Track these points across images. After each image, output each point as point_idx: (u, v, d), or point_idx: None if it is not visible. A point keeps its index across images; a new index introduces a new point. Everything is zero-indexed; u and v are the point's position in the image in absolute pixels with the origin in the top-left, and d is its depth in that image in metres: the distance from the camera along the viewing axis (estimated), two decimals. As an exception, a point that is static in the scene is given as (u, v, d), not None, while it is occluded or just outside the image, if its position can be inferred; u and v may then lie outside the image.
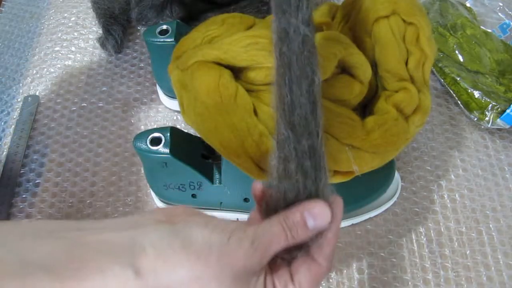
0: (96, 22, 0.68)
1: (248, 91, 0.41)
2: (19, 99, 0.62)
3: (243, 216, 0.52)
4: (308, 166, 0.30)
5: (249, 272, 0.29)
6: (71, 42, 0.68)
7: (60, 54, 0.67)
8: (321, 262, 0.32)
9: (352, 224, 0.52)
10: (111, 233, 0.29)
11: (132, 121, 0.60)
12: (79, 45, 0.68)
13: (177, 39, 0.51)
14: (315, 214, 0.30)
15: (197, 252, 0.28)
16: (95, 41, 0.68)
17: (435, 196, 0.54)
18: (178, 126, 0.60)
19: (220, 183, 0.48)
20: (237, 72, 0.42)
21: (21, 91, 0.63)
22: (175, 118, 0.61)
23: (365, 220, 0.52)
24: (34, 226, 0.30)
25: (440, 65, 0.63)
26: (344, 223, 0.51)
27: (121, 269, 0.27)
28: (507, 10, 0.69)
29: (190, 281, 0.28)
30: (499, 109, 0.57)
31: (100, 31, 0.67)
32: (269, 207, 0.32)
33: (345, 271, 0.49)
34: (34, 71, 0.65)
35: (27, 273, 0.26)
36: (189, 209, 0.31)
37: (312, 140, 0.30)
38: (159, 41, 0.53)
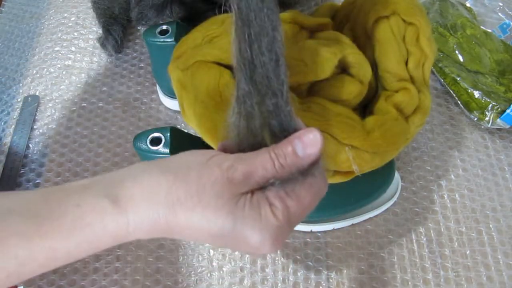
0: (96, 22, 0.68)
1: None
2: (19, 99, 0.62)
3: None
4: (275, 125, 0.29)
5: (233, 193, 0.27)
6: (71, 42, 0.68)
7: (60, 54, 0.67)
8: (316, 175, 0.29)
9: (352, 224, 0.52)
10: (90, 178, 0.28)
11: (132, 121, 0.60)
12: (79, 45, 0.68)
13: (177, 39, 0.51)
14: (305, 142, 0.28)
15: (175, 173, 0.27)
16: (95, 41, 0.68)
17: (435, 196, 0.54)
18: (178, 126, 0.60)
19: (220, 183, 0.48)
20: (237, 72, 0.42)
21: (21, 91, 0.63)
22: (175, 118, 0.61)
23: (365, 220, 0.52)
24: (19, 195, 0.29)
25: (440, 65, 0.63)
26: (344, 223, 0.51)
27: (97, 200, 0.27)
28: (507, 10, 0.69)
29: (170, 202, 0.27)
30: (499, 109, 0.57)
31: (100, 31, 0.67)
32: None
33: (345, 271, 0.49)
34: (34, 71, 0.65)
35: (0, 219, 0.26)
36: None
37: (277, 99, 0.29)
38: (159, 41, 0.53)
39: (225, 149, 0.31)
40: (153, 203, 0.27)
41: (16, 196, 0.28)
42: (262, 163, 0.28)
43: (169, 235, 0.28)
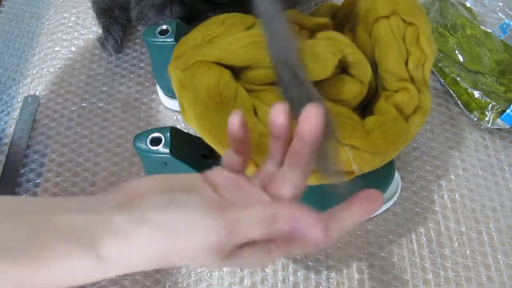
0: (96, 22, 0.68)
1: (248, 91, 0.41)
2: (19, 99, 0.62)
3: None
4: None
5: (221, 250, 0.28)
6: (71, 42, 0.68)
7: (60, 54, 0.67)
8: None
9: (352, 224, 0.52)
10: (75, 216, 0.28)
11: (132, 121, 0.60)
12: (79, 45, 0.68)
13: (177, 39, 0.51)
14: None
15: (161, 230, 0.27)
16: (95, 41, 0.68)
17: (435, 196, 0.54)
18: (178, 126, 0.60)
19: (220, 183, 0.48)
20: (237, 72, 0.42)
21: (21, 91, 0.63)
22: (175, 118, 0.61)
23: (365, 220, 0.52)
24: None
25: (440, 65, 0.63)
26: (344, 223, 0.51)
27: (85, 253, 0.27)
28: (507, 10, 0.69)
29: (157, 256, 0.27)
30: (499, 109, 0.57)
31: (100, 31, 0.67)
32: None
33: (345, 271, 0.49)
34: (34, 71, 0.65)
35: None
36: (154, 182, 0.30)
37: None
38: (159, 41, 0.53)
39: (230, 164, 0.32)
40: (138, 260, 0.28)
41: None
42: (250, 231, 0.28)
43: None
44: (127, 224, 0.27)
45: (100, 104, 0.62)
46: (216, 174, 0.32)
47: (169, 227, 0.27)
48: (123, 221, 0.28)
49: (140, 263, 0.28)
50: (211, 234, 0.27)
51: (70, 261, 0.27)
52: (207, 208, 0.28)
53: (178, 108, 0.59)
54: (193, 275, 0.49)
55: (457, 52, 0.63)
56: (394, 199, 0.53)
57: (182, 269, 0.49)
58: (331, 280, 0.49)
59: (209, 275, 0.49)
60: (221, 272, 0.49)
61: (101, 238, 0.27)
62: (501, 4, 0.69)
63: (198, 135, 0.44)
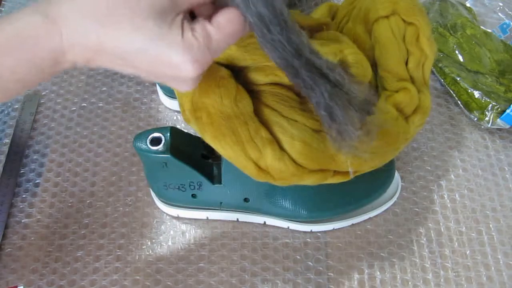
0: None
1: (248, 91, 0.41)
2: (19, 99, 0.62)
3: (243, 216, 0.52)
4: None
5: (163, 9, 0.28)
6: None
7: (60, 54, 0.67)
8: (238, 13, 0.31)
9: (352, 224, 0.52)
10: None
11: (132, 121, 0.60)
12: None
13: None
14: None
15: None
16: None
17: (435, 196, 0.54)
18: (178, 126, 0.60)
19: (220, 183, 0.48)
20: (237, 72, 0.42)
21: (21, 91, 0.63)
22: (175, 118, 0.61)
23: (365, 220, 0.52)
24: None
25: (440, 65, 0.63)
26: (344, 223, 0.51)
27: (30, 17, 0.28)
28: (507, 10, 0.69)
29: (100, 17, 0.28)
30: (499, 109, 0.58)
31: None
32: None
33: (345, 271, 0.49)
34: (34, 71, 0.65)
35: None
36: None
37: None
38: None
39: None
40: (83, 16, 0.28)
41: None
42: None
43: (102, 57, 0.29)
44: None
45: (100, 104, 0.62)
46: None
47: None
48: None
49: (87, 15, 0.28)
50: None
51: (18, 25, 0.28)
52: None
53: (178, 108, 0.59)
54: (193, 275, 0.49)
55: (457, 52, 0.63)
56: (394, 199, 0.53)
57: (182, 269, 0.49)
58: (331, 280, 0.49)
59: (209, 275, 0.49)
60: (221, 272, 0.49)
61: (52, 3, 0.28)
62: (501, 4, 0.69)
63: (198, 135, 0.44)
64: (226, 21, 0.30)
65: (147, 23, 0.28)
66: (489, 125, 0.58)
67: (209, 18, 0.30)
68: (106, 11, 0.28)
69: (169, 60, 0.29)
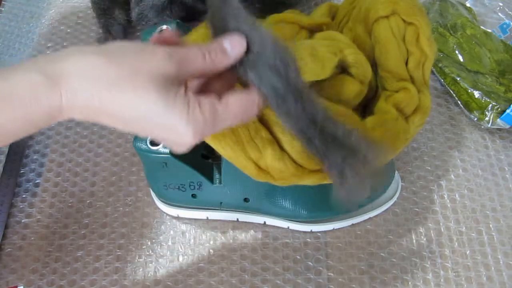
0: (96, 22, 0.68)
1: (248, 91, 0.41)
2: (19, 99, 0.62)
3: (243, 216, 0.52)
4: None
5: (167, 80, 0.29)
6: (71, 42, 0.68)
7: (60, 54, 0.67)
8: (250, 90, 0.32)
9: (352, 224, 0.52)
10: (30, 61, 0.29)
11: (132, 121, 0.60)
12: (79, 45, 0.68)
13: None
14: (233, 41, 0.31)
15: (110, 56, 0.28)
16: (95, 41, 0.68)
17: (435, 196, 0.54)
18: (178, 126, 0.60)
19: (220, 183, 0.48)
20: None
21: (21, 91, 0.63)
22: (175, 118, 0.61)
23: (365, 220, 0.52)
24: None
25: (440, 65, 0.63)
26: (344, 223, 0.51)
27: (28, 74, 0.27)
28: (507, 10, 0.69)
29: (103, 81, 0.28)
30: (499, 109, 0.57)
31: (100, 31, 0.67)
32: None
33: (345, 271, 0.49)
34: (34, 71, 0.65)
35: None
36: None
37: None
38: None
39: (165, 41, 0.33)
40: (86, 80, 0.28)
41: None
42: (194, 54, 0.30)
43: (102, 117, 0.29)
44: (83, 52, 0.29)
45: (100, 104, 0.62)
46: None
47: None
48: (77, 51, 0.29)
49: (90, 81, 0.28)
50: (160, 62, 0.28)
51: (16, 82, 0.27)
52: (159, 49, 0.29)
53: (178, 108, 0.59)
54: (193, 275, 0.49)
55: (457, 52, 0.63)
56: (394, 199, 0.53)
57: (182, 269, 0.49)
58: (331, 280, 0.49)
59: (209, 275, 0.49)
60: (221, 272, 0.49)
61: (53, 64, 0.28)
62: (501, 4, 0.69)
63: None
64: (235, 101, 0.31)
65: (150, 92, 0.28)
66: (489, 125, 0.58)
67: (220, 93, 0.31)
68: (112, 76, 0.28)
69: (173, 129, 0.29)
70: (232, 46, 0.31)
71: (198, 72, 0.31)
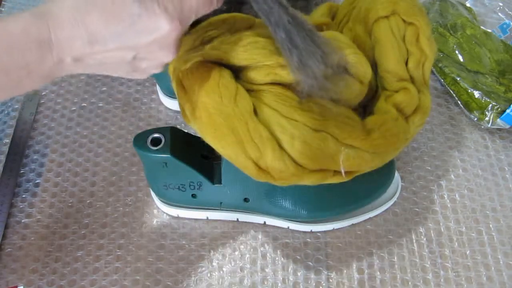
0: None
1: (248, 91, 0.41)
2: (19, 99, 0.62)
3: (243, 216, 0.52)
4: None
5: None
6: (71, 42, 0.68)
7: (60, 54, 0.67)
8: None
9: (352, 224, 0.52)
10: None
11: (132, 121, 0.60)
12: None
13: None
14: None
15: None
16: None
17: (435, 196, 0.54)
18: (178, 126, 0.60)
19: (220, 183, 0.48)
20: (237, 72, 0.42)
21: (21, 91, 0.63)
22: (175, 118, 0.61)
23: (365, 220, 0.52)
24: None
25: (440, 65, 0.63)
26: (344, 223, 0.51)
27: (21, 15, 0.30)
28: (507, 10, 0.69)
29: (85, 9, 0.30)
30: (499, 109, 0.58)
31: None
32: None
33: (345, 271, 0.49)
34: (34, 71, 0.65)
35: None
36: None
37: None
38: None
39: None
40: (69, 11, 0.30)
41: None
42: None
43: (88, 48, 0.31)
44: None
45: (100, 104, 0.62)
46: None
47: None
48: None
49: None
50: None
51: (14, 25, 0.30)
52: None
53: (178, 108, 0.59)
54: (193, 275, 0.49)
55: (457, 52, 0.63)
56: (394, 199, 0.53)
57: (182, 269, 0.49)
58: (331, 280, 0.49)
59: (209, 275, 0.49)
60: (221, 272, 0.49)
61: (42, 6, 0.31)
62: (501, 4, 0.69)
63: (198, 135, 0.44)
64: None
65: (126, 1, 0.30)
66: (489, 125, 0.58)
67: None
68: (89, 1, 0.30)
69: (150, 25, 0.31)
70: None
71: None
